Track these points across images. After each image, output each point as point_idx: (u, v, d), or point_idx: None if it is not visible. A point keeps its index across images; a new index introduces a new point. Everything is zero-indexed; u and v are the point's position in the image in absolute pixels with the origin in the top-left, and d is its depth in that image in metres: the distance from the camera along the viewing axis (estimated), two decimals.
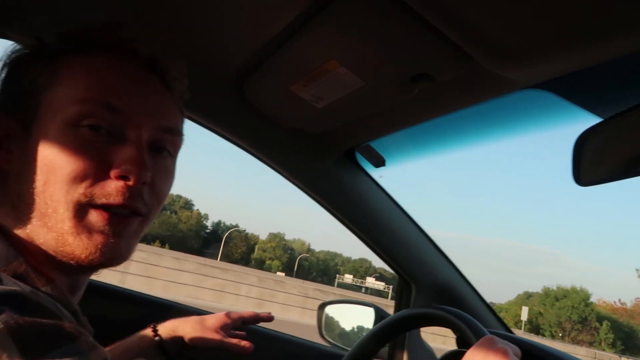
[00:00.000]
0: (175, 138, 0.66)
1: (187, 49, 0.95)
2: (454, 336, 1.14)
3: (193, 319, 0.98)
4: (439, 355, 1.32)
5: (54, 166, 0.55)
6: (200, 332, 0.95)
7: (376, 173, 1.32)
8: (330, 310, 1.61)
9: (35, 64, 0.61)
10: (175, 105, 0.67)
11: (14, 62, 0.63)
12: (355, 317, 1.55)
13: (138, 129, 0.60)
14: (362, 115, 1.02)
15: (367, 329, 1.49)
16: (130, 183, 0.57)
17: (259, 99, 1.06)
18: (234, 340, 0.96)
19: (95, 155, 0.56)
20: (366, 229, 1.38)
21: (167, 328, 0.96)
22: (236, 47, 0.92)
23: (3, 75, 0.63)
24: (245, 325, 1.03)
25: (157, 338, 0.94)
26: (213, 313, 1.04)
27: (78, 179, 0.55)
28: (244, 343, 0.96)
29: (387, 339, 1.16)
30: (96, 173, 0.56)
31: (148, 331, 0.95)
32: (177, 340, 0.95)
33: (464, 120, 0.97)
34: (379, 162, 1.24)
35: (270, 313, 1.07)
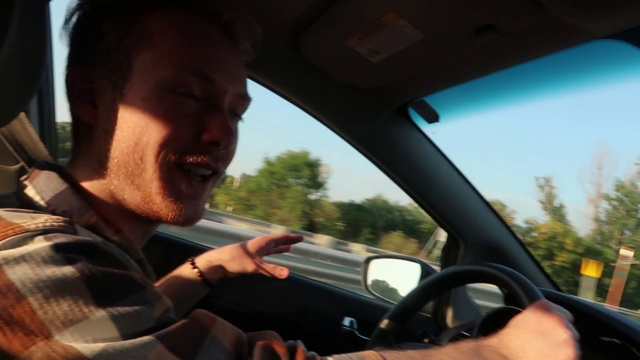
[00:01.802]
0: (246, 103, 0.68)
1: (242, 4, 0.94)
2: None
3: (230, 247, 1.01)
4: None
5: (147, 129, 0.58)
6: (238, 259, 0.99)
7: (429, 129, 1.29)
8: (375, 264, 1.63)
9: (119, 19, 0.60)
10: (244, 68, 0.69)
11: (89, 14, 0.62)
12: (401, 272, 1.57)
13: (224, 95, 0.63)
14: (419, 69, 0.99)
15: (412, 284, 1.51)
16: (221, 148, 0.62)
17: (314, 54, 1.04)
18: (271, 265, 0.99)
19: (188, 121, 0.60)
20: (416, 186, 1.38)
21: (205, 259, 0.99)
22: (292, 1, 0.90)
23: (75, 26, 0.63)
24: (277, 246, 1.06)
25: (195, 270, 0.97)
26: None
27: (171, 143, 0.59)
28: (281, 268, 0.98)
29: (437, 294, 1.17)
30: (188, 138, 0.60)
31: (187, 265, 0.99)
32: (217, 269, 0.99)
33: (527, 72, 0.92)
34: (433, 118, 1.22)
35: (300, 235, 1.11)
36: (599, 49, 0.80)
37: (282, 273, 0.98)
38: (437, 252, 17.61)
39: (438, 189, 1.37)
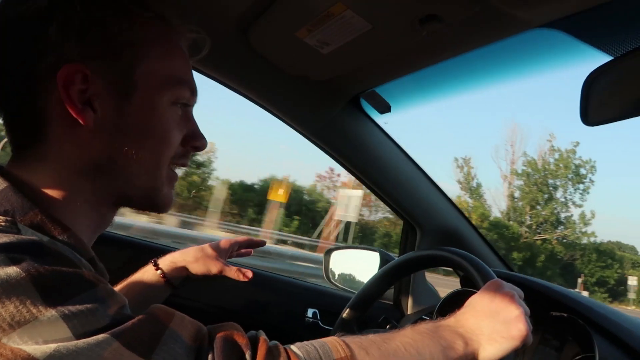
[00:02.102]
0: None
1: None
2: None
3: (193, 248, 1.00)
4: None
5: (156, 138, 0.62)
6: (202, 260, 0.98)
7: (381, 119, 1.31)
8: (336, 255, 1.65)
9: (123, 23, 0.58)
10: None
11: (89, 9, 0.57)
12: (361, 262, 1.59)
13: (194, 104, 0.69)
14: (368, 60, 1.01)
15: (373, 273, 1.54)
16: (199, 151, 0.70)
17: (264, 46, 1.04)
18: (234, 268, 0.99)
19: (179, 129, 0.65)
20: (371, 176, 1.40)
21: (168, 261, 0.98)
22: None
23: (70, 20, 0.57)
24: (240, 249, 1.07)
25: (159, 272, 0.95)
26: None
27: (171, 147, 0.64)
28: (245, 270, 0.99)
29: (395, 280, 1.20)
30: (179, 144, 0.66)
31: (149, 267, 0.97)
32: (180, 271, 0.98)
33: (472, 62, 0.95)
34: (385, 109, 1.24)
35: (263, 240, 1.13)
36: (538, 37, 0.84)
37: (247, 275, 0.98)
38: (326, 232, 17.73)
39: (393, 178, 1.40)
